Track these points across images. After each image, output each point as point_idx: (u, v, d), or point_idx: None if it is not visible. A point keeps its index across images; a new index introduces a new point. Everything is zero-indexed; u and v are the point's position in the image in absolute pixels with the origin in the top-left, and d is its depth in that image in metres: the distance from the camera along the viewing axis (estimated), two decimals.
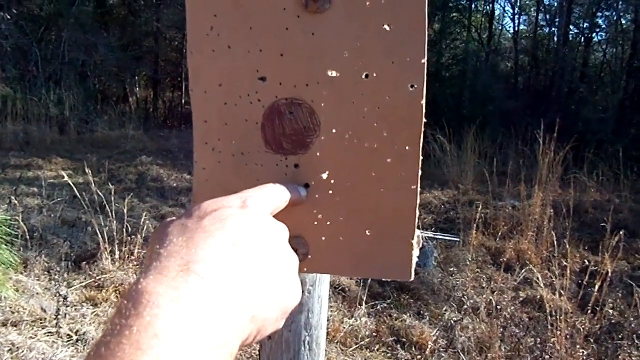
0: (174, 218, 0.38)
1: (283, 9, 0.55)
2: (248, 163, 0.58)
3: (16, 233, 3.28)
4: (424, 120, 0.55)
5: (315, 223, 0.57)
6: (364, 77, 0.55)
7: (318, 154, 0.57)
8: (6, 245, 3.09)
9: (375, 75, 0.54)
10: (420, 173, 0.56)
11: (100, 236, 3.33)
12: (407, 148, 0.56)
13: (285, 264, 0.38)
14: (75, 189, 3.52)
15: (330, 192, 0.57)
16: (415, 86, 0.54)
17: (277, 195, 0.47)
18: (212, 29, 0.56)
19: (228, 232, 0.35)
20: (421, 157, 0.56)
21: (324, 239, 0.58)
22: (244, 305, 0.33)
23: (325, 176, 0.57)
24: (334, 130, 0.56)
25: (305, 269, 0.59)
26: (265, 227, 0.38)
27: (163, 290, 0.29)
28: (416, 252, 0.57)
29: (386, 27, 0.53)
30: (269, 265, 0.36)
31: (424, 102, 0.54)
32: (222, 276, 0.32)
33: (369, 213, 0.57)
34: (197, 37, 0.57)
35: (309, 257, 0.58)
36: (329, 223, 0.58)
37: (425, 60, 0.54)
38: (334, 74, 0.55)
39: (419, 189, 0.56)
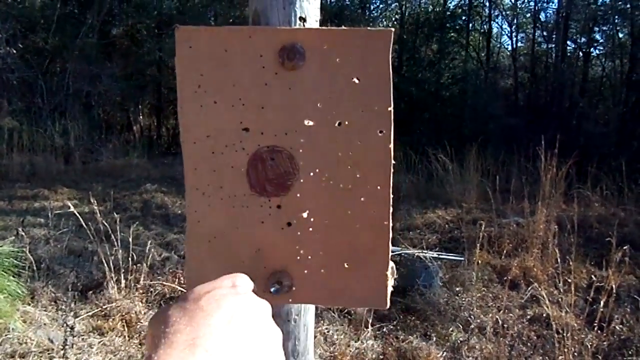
0: (171, 304, 0.43)
1: (262, 67, 0.61)
2: (235, 205, 0.63)
3: (23, 264, 3.33)
4: (393, 161, 0.60)
5: (298, 258, 0.63)
6: (337, 125, 0.61)
7: (298, 195, 0.62)
8: (13, 276, 3.14)
9: (347, 123, 0.60)
10: (391, 210, 0.61)
11: (106, 265, 3.37)
12: (378, 187, 0.61)
13: (271, 337, 0.43)
14: (80, 219, 3.58)
15: (311, 229, 0.62)
16: (384, 131, 0.60)
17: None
18: (199, 87, 0.63)
19: (223, 311, 0.40)
20: (392, 196, 0.61)
21: (306, 272, 0.63)
22: None
23: (305, 215, 0.62)
24: (311, 174, 0.62)
25: (290, 300, 0.64)
26: (253, 305, 0.44)
27: None
28: (391, 282, 0.62)
29: (355, 80, 0.59)
30: (258, 339, 0.41)
31: (392, 145, 0.60)
32: (223, 350, 0.37)
33: (346, 247, 0.62)
34: (186, 94, 0.63)
35: (293, 289, 0.63)
36: (310, 257, 0.63)
37: (391, 108, 0.59)
38: (310, 123, 0.61)
39: (391, 225, 0.61)
